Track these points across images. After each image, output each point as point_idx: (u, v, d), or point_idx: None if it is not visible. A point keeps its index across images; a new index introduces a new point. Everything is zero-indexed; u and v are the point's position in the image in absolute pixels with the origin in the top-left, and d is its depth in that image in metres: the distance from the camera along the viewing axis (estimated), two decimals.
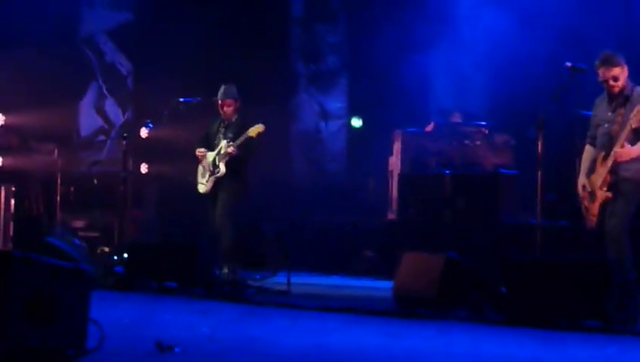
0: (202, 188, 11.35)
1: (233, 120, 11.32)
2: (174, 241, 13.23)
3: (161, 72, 15.90)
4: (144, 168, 15.29)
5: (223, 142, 11.16)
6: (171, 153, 14.83)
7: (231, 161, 11.11)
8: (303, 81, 17.18)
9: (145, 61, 16.67)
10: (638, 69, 9.00)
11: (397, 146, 13.73)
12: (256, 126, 10.97)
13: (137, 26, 16.85)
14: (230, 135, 11.17)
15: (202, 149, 11.36)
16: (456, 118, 14.44)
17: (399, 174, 13.38)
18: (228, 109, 11.30)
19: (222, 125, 11.38)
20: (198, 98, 11.95)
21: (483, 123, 13.93)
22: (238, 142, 11.00)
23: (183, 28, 16.37)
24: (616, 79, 8.62)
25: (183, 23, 16.41)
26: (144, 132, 12.44)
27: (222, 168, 11.12)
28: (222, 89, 11.35)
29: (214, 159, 11.20)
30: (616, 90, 8.66)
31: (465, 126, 13.91)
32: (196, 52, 16.20)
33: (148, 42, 16.59)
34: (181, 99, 11.92)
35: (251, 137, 10.95)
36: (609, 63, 8.62)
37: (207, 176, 11.27)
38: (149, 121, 12.21)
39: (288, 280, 10.55)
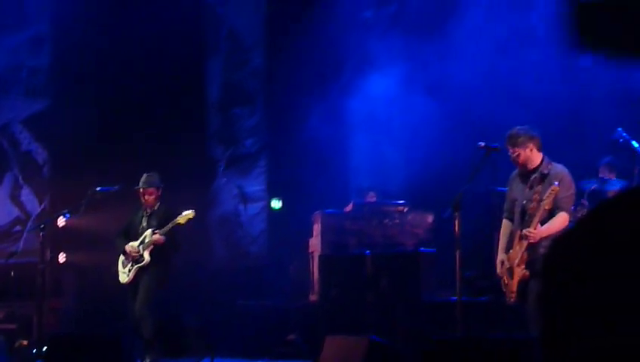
0: (124, 277, 11.23)
1: (156, 208, 11.28)
2: (95, 333, 13.04)
3: (77, 160, 15.80)
4: (62, 258, 15.10)
5: (148, 231, 11.09)
6: (89, 242, 14.69)
7: (155, 249, 11.03)
8: (221, 165, 17.19)
9: (61, 150, 16.54)
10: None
11: (317, 227, 13.73)
12: (187, 212, 10.94)
13: (53, 114, 16.74)
14: (154, 223, 11.12)
15: (130, 246, 11.26)
16: (372, 198, 14.52)
17: (320, 255, 13.37)
18: (149, 198, 11.26)
19: (145, 214, 11.32)
20: (116, 186, 11.89)
21: (401, 201, 14.01)
22: (166, 229, 10.95)
23: (99, 115, 16.32)
24: (518, 156, 8.80)
25: (99, 111, 16.36)
26: (61, 221, 12.31)
27: (146, 257, 11.04)
28: (144, 177, 11.32)
29: (139, 248, 11.12)
30: (520, 166, 8.84)
31: (384, 205, 13.98)
32: (113, 139, 16.14)
33: (64, 131, 16.48)
34: (98, 188, 11.85)
35: (180, 224, 10.91)
36: (509, 142, 8.82)
37: (130, 265, 11.17)
38: (66, 210, 12.10)
39: None
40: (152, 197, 11.26)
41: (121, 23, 16.29)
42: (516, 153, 8.77)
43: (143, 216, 11.32)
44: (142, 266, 11.07)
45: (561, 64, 13.94)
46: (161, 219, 11.12)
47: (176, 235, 11.11)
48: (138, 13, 16.29)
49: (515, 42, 14.56)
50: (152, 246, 10.99)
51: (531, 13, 14.57)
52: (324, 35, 15.57)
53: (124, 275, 11.21)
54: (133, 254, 11.16)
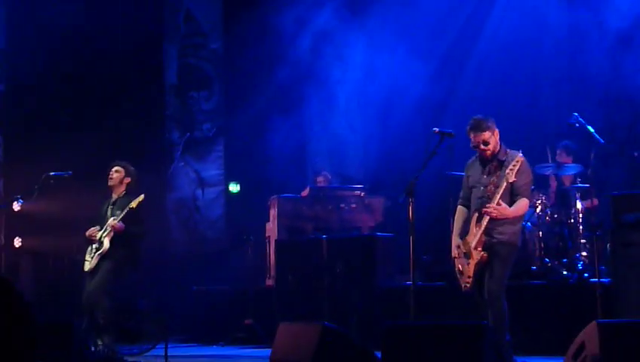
0: (87, 265, 11.11)
1: (122, 195, 11.21)
2: (47, 319, 12.90)
3: (31, 144, 15.65)
4: (17, 242, 14.96)
5: (110, 220, 11.01)
6: (45, 227, 14.54)
7: (116, 236, 10.93)
8: (178, 149, 17.08)
9: (15, 133, 16.38)
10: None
11: (273, 212, 13.67)
12: (138, 198, 10.88)
13: (7, 99, 16.56)
14: (118, 211, 11.04)
15: (93, 229, 11.15)
16: (325, 177, 14.37)
17: (276, 240, 13.31)
18: (116, 175, 11.19)
19: (110, 204, 11.25)
20: (69, 171, 11.76)
21: (359, 186, 13.99)
22: (121, 216, 10.87)
23: (54, 98, 16.17)
24: (486, 143, 8.76)
25: (53, 94, 16.21)
26: (17, 206, 12.19)
27: (105, 244, 10.94)
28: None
29: (100, 236, 11.03)
30: (488, 153, 8.80)
31: (340, 189, 13.93)
32: (68, 123, 16.00)
33: (18, 115, 16.34)
34: (52, 173, 11.71)
35: (132, 208, 10.83)
36: (478, 128, 8.75)
37: (93, 253, 11.07)
38: (19, 196, 11.98)
39: (165, 353, 10.34)
40: (117, 176, 11.20)
41: (78, 5, 16.11)
42: (485, 138, 8.72)
43: (108, 206, 11.24)
44: (102, 253, 10.97)
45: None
46: (122, 207, 11.05)
47: (137, 222, 11.00)
48: None
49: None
50: (111, 233, 10.90)
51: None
52: (281, 19, 15.49)
53: (88, 263, 11.10)
54: (94, 240, 11.08)
